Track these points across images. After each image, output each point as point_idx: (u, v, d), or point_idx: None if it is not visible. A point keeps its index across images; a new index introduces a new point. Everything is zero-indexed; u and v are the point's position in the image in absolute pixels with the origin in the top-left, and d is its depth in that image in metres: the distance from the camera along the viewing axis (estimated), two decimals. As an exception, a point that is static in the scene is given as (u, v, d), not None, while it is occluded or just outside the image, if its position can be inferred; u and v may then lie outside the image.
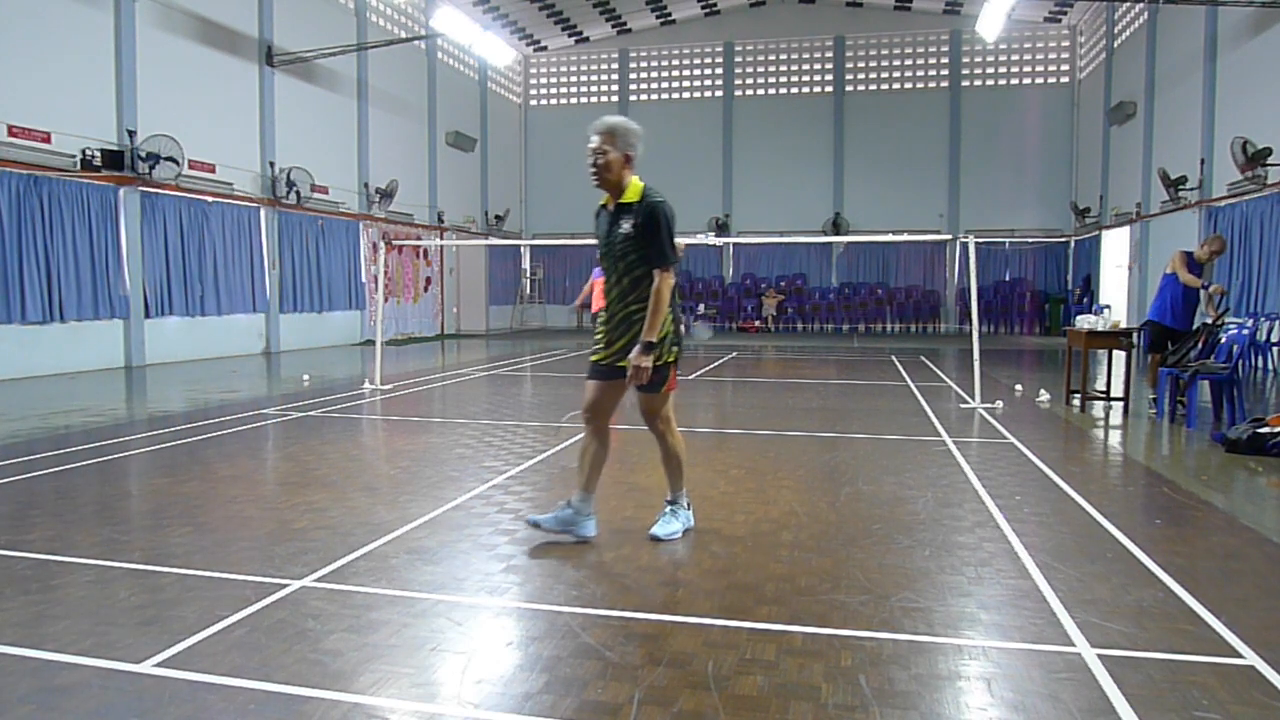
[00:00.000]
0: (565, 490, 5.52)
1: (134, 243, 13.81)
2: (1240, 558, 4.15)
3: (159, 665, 2.88)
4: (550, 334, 25.02)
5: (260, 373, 13.42)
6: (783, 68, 28.09)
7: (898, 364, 14.77)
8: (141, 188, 13.84)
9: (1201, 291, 8.69)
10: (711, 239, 25.79)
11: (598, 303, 14.61)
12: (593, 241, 4.72)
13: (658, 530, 4.39)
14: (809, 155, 27.43)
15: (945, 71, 26.91)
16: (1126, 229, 21.41)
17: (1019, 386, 10.99)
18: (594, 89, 29.37)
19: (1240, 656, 2.98)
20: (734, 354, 16.33)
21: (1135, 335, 9.50)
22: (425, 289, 23.34)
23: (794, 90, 28.07)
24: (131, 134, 13.57)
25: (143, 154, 13.59)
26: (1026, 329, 25.94)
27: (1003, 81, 26.72)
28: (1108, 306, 21.15)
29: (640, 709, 2.60)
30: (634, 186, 4.15)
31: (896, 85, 27.36)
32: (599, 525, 4.45)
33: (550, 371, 13.19)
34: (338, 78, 19.26)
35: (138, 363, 13.89)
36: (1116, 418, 8.73)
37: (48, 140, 12.32)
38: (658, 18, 27.64)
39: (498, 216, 26.67)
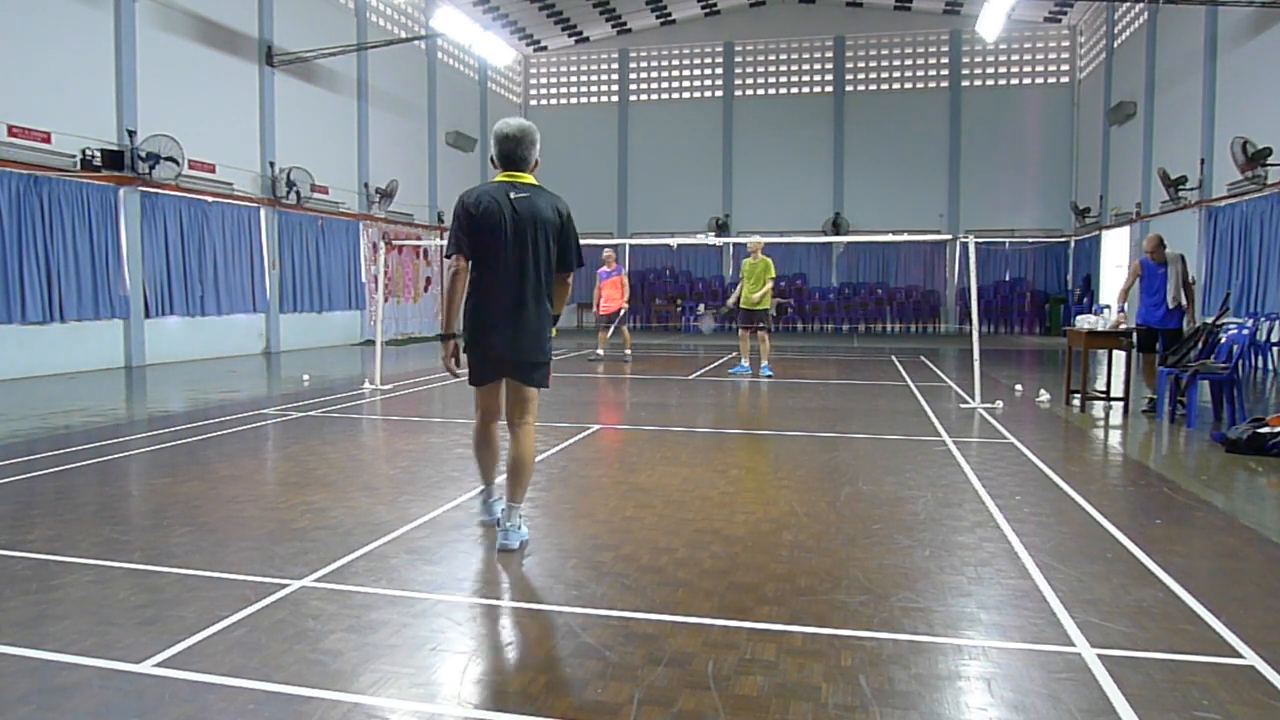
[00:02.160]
0: (565, 489, 5.53)
1: (134, 243, 13.80)
2: (1240, 558, 4.15)
3: (159, 665, 2.88)
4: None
5: (260, 373, 13.42)
6: (783, 68, 28.08)
7: (898, 364, 14.77)
8: (141, 188, 13.83)
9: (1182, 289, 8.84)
10: (711, 239, 25.77)
11: (605, 306, 14.66)
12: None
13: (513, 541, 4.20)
14: (809, 155, 27.42)
15: (945, 71, 26.89)
16: (1126, 229, 21.40)
17: (1019, 386, 10.98)
18: (594, 89, 29.37)
19: (1240, 656, 2.98)
20: (734, 354, 16.32)
21: (1133, 335, 9.53)
22: (425, 289, 23.34)
23: (794, 90, 28.06)
24: (131, 134, 13.57)
25: (143, 154, 13.59)
26: (1026, 329, 25.93)
27: (1003, 81, 26.71)
28: (1108, 306, 21.14)
29: (640, 709, 2.60)
30: None
31: (896, 85, 27.35)
32: (595, 525, 4.44)
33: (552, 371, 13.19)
34: (338, 78, 19.25)
35: (138, 363, 13.88)
36: (1116, 418, 8.73)
37: (48, 140, 12.32)
38: (658, 18, 27.64)
39: (498, 216, 26.64)
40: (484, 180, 21.56)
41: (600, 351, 14.88)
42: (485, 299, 4.14)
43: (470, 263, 4.11)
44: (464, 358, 4.29)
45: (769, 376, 12.32)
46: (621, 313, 14.79)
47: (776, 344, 20.54)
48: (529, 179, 4.27)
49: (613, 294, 14.57)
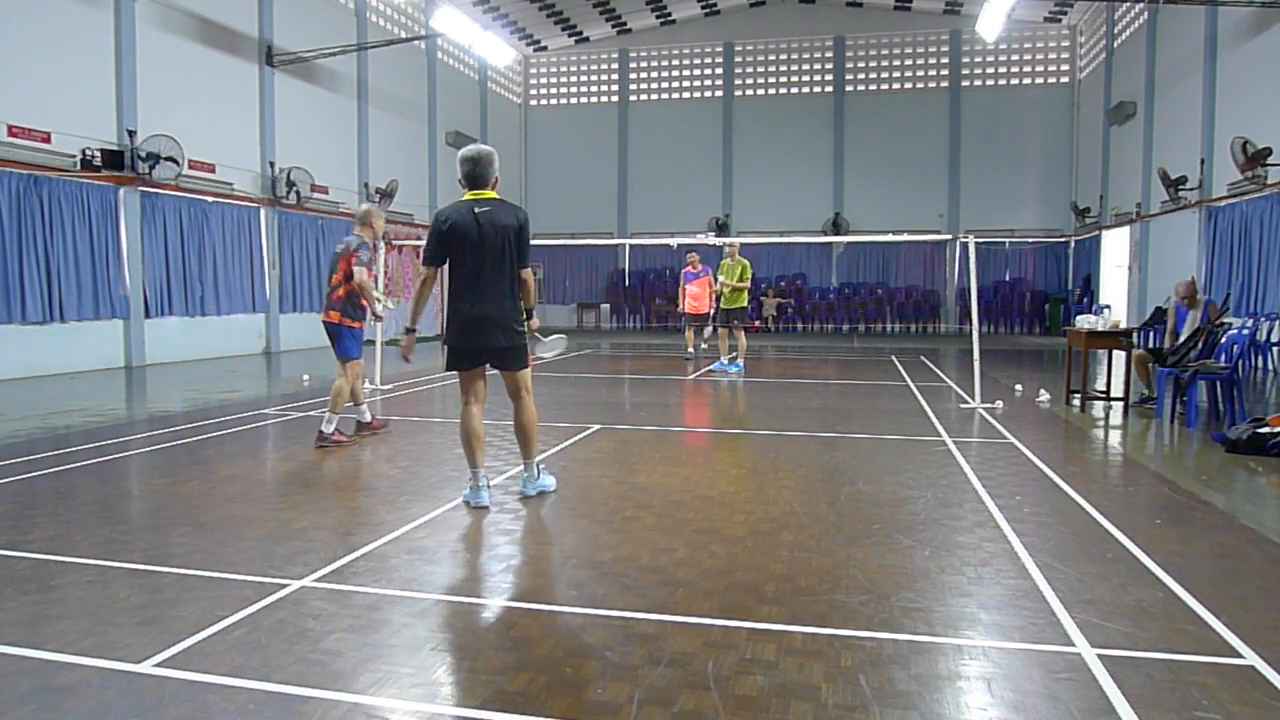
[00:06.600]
0: (565, 489, 5.52)
1: (134, 243, 13.80)
2: (1240, 558, 4.15)
3: (159, 665, 2.88)
4: (550, 333, 24.97)
5: (260, 373, 13.41)
6: (783, 68, 28.07)
7: (898, 364, 14.76)
8: (141, 188, 13.83)
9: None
10: (711, 239, 25.76)
11: (693, 306, 14.65)
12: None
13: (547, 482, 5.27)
14: (809, 155, 27.41)
15: (945, 71, 26.89)
16: (1126, 229, 21.40)
17: (1019, 386, 10.98)
18: (594, 89, 29.36)
19: (1240, 656, 2.98)
20: (734, 354, 16.29)
21: (1135, 335, 9.58)
22: (425, 289, 23.30)
23: (794, 90, 28.05)
24: (131, 134, 13.56)
25: (143, 154, 13.59)
26: (1026, 329, 25.93)
27: (1003, 81, 26.70)
28: (1108, 306, 21.14)
29: (640, 709, 2.60)
30: None
31: (896, 85, 27.34)
32: (595, 525, 4.43)
33: (550, 371, 13.19)
34: (338, 78, 19.25)
35: (138, 363, 13.88)
36: (1116, 418, 8.73)
37: (48, 140, 12.31)
38: (658, 18, 27.63)
39: (498, 216, 26.64)
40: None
41: (690, 350, 14.92)
42: (464, 299, 4.87)
43: (438, 271, 4.94)
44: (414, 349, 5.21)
45: (739, 373, 12.62)
46: (710, 314, 14.81)
47: (778, 344, 20.54)
48: (491, 194, 4.94)
49: (700, 295, 14.57)
